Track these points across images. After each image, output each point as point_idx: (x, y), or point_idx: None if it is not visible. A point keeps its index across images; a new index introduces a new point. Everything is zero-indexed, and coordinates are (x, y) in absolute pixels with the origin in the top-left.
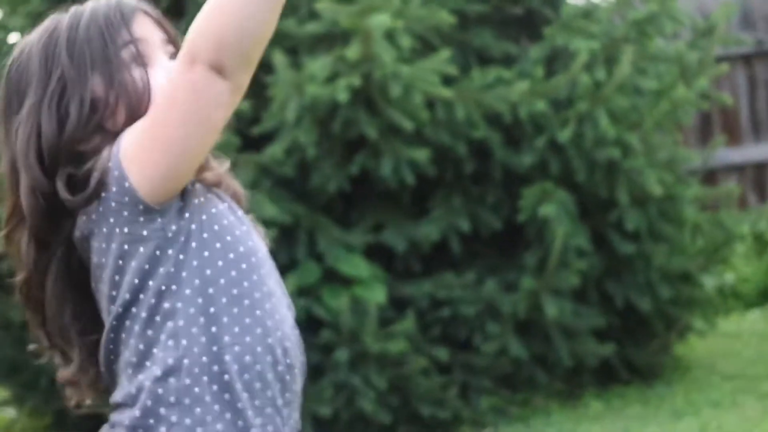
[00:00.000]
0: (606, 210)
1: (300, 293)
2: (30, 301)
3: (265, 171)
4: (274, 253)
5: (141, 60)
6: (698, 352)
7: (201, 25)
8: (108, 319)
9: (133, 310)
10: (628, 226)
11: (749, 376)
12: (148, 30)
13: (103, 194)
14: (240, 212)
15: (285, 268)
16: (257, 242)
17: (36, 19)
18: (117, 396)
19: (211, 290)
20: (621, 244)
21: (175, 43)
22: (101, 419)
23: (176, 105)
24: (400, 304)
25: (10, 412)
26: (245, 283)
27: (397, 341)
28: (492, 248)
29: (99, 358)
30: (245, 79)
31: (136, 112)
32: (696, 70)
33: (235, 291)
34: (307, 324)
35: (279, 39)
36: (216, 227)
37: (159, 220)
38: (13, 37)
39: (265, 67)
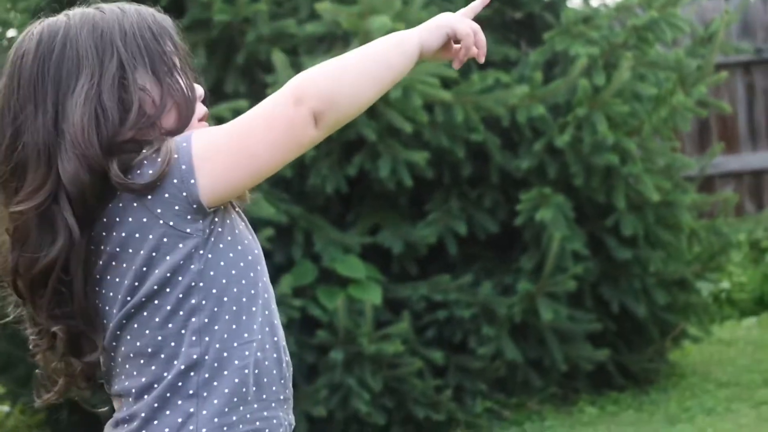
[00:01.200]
0: (603, 215)
1: (296, 293)
2: (43, 285)
3: None
4: (270, 253)
5: (185, 69)
6: (693, 358)
7: (319, 76)
8: (121, 308)
9: (156, 302)
10: (624, 232)
11: (744, 384)
12: (179, 46)
13: (158, 183)
14: (246, 220)
15: (281, 268)
16: (260, 249)
17: (35, 14)
18: (125, 385)
19: (235, 289)
20: (617, 249)
21: (188, 65)
22: (91, 415)
23: (272, 130)
24: (396, 305)
25: (3, 408)
26: (259, 284)
27: (392, 343)
28: (488, 251)
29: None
30: (323, 137)
31: (185, 118)
32: (695, 77)
33: (252, 291)
34: (303, 324)
35: (279, 39)
36: (236, 231)
37: (201, 221)
38: (11, 32)
39: (264, 66)
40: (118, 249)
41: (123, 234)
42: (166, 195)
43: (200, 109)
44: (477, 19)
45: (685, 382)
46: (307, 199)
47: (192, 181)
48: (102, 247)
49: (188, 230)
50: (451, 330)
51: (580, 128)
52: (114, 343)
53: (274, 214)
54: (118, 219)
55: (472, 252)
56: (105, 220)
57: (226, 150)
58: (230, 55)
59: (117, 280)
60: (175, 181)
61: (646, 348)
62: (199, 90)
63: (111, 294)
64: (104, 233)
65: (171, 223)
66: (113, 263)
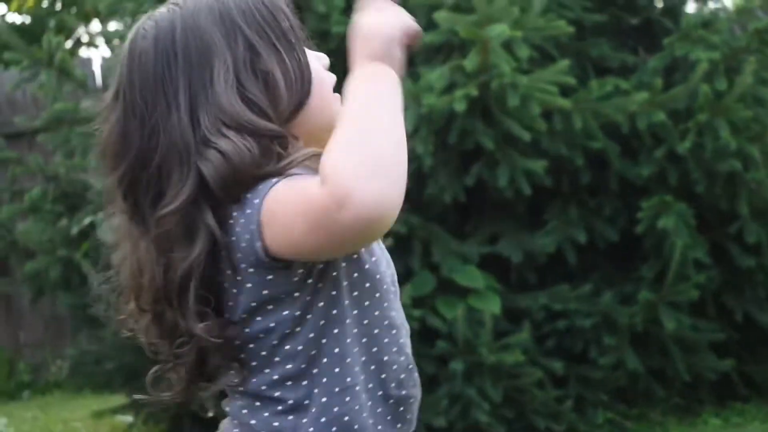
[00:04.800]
0: (726, 222)
1: (415, 304)
2: (187, 290)
3: None
4: None
5: (300, 44)
6: None
7: (359, 171)
8: None
9: (251, 346)
10: (748, 239)
11: None
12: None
13: (237, 229)
14: (377, 243)
15: (400, 279)
16: (384, 267)
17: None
18: (228, 412)
19: (336, 330)
20: (741, 257)
21: (304, 36)
22: (214, 426)
23: (317, 236)
24: (515, 315)
25: (127, 419)
26: (365, 321)
27: (512, 353)
28: (608, 260)
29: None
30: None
31: (300, 99)
32: None
33: (355, 330)
34: (423, 335)
35: None
36: (344, 264)
37: (286, 269)
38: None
39: None
40: (226, 284)
41: (227, 271)
42: (243, 244)
43: (330, 78)
44: (594, 24)
45: None
46: (426, 208)
47: (258, 243)
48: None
49: (270, 277)
50: (572, 340)
51: (701, 134)
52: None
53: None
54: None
55: (592, 261)
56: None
57: (282, 226)
58: (348, 67)
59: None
60: (247, 236)
61: None
62: (326, 57)
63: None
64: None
65: (251, 270)
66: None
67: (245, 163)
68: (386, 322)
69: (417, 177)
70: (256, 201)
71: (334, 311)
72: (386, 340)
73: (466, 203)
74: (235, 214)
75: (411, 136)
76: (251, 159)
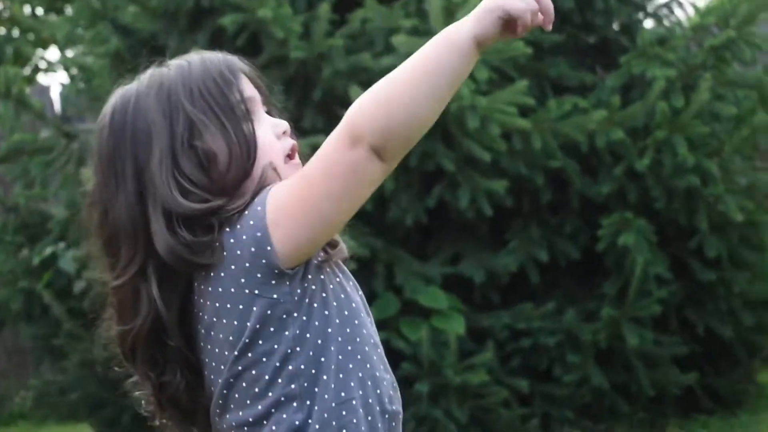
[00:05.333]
0: (686, 237)
1: (379, 326)
2: (137, 352)
3: None
4: None
5: (249, 117)
6: None
7: (368, 107)
8: (221, 377)
9: (254, 372)
10: (708, 253)
11: None
12: (250, 89)
13: (238, 252)
14: (343, 266)
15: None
16: (360, 295)
17: (114, 59)
18: None
19: (332, 348)
20: (701, 271)
21: (267, 100)
22: None
23: (333, 181)
24: (479, 335)
25: None
26: (357, 339)
27: (477, 373)
28: (571, 278)
29: (210, 411)
30: (394, 165)
31: (246, 169)
32: None
33: (349, 347)
34: (387, 357)
35: (355, 73)
36: (331, 286)
37: (288, 283)
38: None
39: (342, 101)
40: (214, 319)
41: (216, 304)
42: (247, 264)
43: (286, 144)
44: (551, 44)
45: None
46: (388, 231)
47: (268, 248)
48: (201, 314)
49: (275, 296)
50: (536, 358)
51: (659, 151)
52: (218, 411)
53: (354, 248)
54: (210, 288)
55: (554, 279)
56: (202, 287)
57: (294, 213)
58: (307, 92)
59: (217, 350)
60: (253, 249)
61: (734, 370)
62: (284, 124)
63: (213, 364)
64: (201, 300)
65: (256, 292)
66: (212, 333)
67: (185, 254)
68: (372, 341)
69: (378, 200)
70: (258, 208)
71: (329, 329)
72: (375, 358)
73: (428, 225)
74: (231, 240)
75: None
76: (191, 247)
